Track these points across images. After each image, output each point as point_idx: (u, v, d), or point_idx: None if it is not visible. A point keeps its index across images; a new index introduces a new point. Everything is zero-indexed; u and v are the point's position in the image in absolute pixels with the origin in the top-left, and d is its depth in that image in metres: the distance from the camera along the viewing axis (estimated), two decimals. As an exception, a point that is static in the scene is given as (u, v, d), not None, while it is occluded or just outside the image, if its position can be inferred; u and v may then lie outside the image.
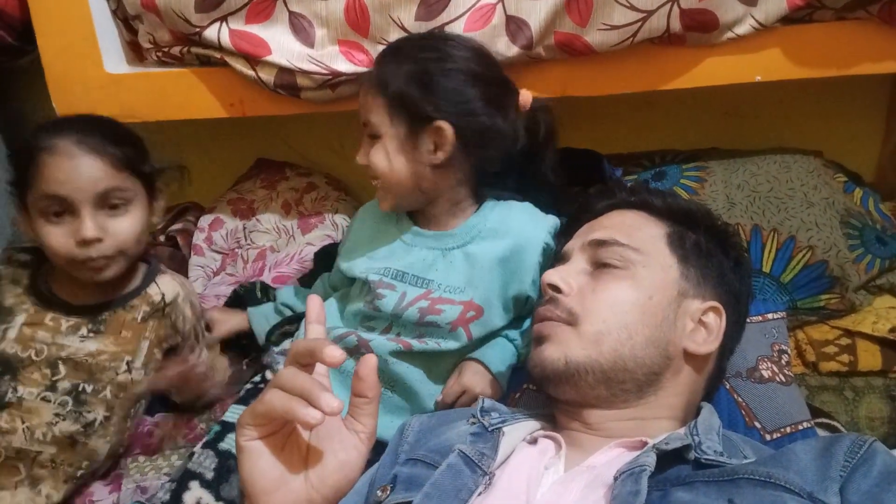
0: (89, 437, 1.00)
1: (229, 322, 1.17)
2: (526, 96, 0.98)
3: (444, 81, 0.92)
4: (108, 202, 0.95)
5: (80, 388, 1.00)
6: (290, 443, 0.64)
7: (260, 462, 0.61)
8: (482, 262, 0.94)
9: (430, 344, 0.93)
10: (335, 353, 0.57)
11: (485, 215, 0.97)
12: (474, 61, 0.95)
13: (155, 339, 1.06)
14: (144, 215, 1.00)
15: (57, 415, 0.98)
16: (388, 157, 0.93)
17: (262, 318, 1.15)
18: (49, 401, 0.98)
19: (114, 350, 1.02)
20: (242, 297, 1.24)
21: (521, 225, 0.96)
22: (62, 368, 0.99)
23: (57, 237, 0.94)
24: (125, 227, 0.97)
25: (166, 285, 1.08)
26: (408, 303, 0.93)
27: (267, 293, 1.24)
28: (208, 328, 1.15)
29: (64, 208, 0.93)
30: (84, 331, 1.00)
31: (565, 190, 1.05)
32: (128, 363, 1.03)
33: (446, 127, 0.90)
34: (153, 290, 1.06)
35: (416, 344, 0.93)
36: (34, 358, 0.97)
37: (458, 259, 0.95)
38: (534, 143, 0.99)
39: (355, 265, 1.00)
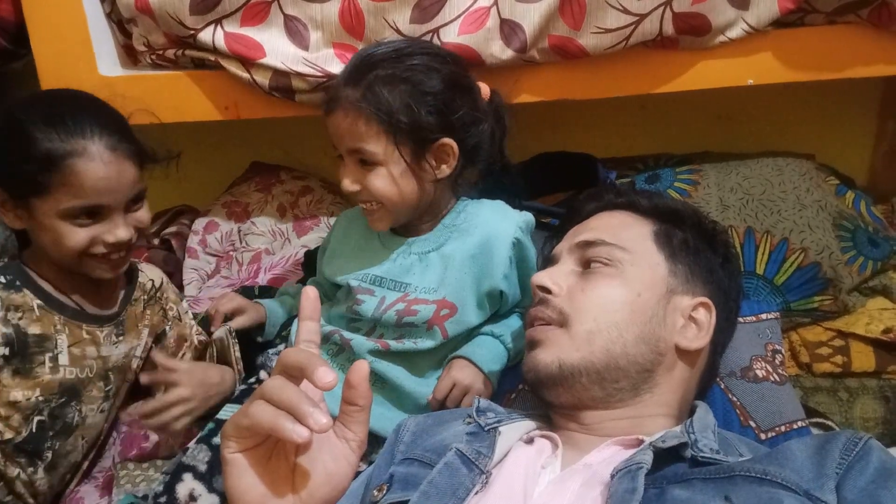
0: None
1: (258, 311, 1.09)
2: (485, 88, 0.98)
3: (441, 96, 0.90)
4: (133, 200, 0.93)
5: (121, 389, 1.03)
6: (277, 453, 0.61)
7: (245, 476, 0.59)
8: (454, 261, 0.94)
9: (408, 344, 0.94)
10: (327, 376, 0.55)
11: (456, 215, 0.98)
12: (451, 66, 0.93)
13: (150, 327, 1.07)
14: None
15: (105, 420, 1.02)
16: (393, 182, 0.90)
17: (278, 312, 1.12)
18: (104, 411, 1.01)
19: (134, 345, 1.04)
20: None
21: (489, 221, 0.96)
22: (112, 378, 1.01)
23: (81, 239, 0.88)
24: (144, 217, 0.95)
25: (150, 272, 1.09)
26: (386, 306, 0.94)
27: (264, 295, 1.22)
28: (234, 315, 1.09)
29: (96, 213, 0.89)
30: (113, 337, 1.00)
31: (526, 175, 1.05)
32: (135, 352, 1.05)
33: (451, 143, 0.91)
34: (143, 279, 1.07)
35: (394, 344, 0.94)
36: (90, 375, 0.97)
37: (434, 261, 0.95)
38: (500, 128, 0.99)
39: (337, 271, 1.00)
